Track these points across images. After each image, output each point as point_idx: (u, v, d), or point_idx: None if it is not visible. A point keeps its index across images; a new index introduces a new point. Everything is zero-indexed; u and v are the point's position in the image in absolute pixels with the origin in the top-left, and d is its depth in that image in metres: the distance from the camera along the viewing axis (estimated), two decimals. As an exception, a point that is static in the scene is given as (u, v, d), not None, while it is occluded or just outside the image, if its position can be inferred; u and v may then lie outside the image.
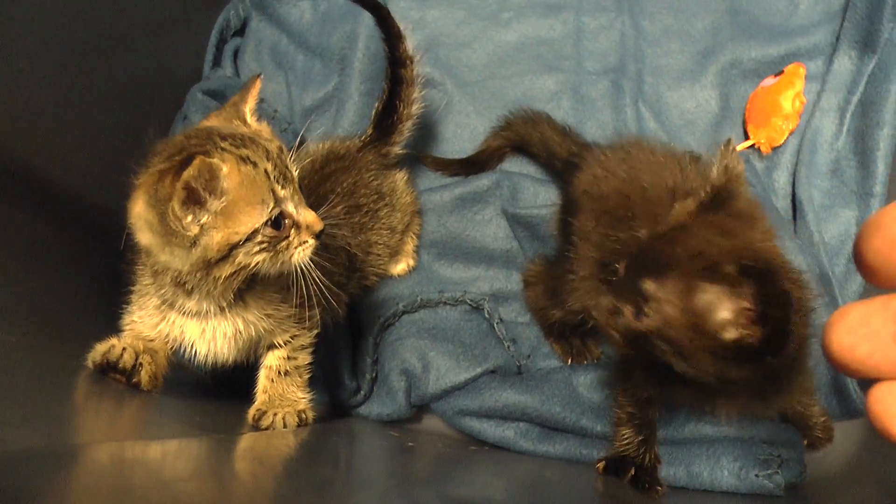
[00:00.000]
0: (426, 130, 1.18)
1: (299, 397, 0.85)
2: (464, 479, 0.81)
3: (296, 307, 0.84)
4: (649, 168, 0.86)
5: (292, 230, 0.73)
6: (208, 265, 0.70)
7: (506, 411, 0.97)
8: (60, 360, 0.79)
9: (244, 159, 0.70)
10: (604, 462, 0.87)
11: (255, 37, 1.23)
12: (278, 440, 0.77)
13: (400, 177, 1.08)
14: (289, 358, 0.85)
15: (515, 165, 1.16)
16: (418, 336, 1.03)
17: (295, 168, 0.75)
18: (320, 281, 0.77)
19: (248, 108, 0.78)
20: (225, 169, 0.67)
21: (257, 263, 0.72)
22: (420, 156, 1.16)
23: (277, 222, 0.72)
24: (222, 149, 0.70)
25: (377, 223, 1.02)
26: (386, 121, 1.06)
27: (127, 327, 0.81)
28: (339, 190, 0.97)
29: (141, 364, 0.76)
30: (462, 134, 1.18)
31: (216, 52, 1.22)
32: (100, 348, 0.76)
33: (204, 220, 0.68)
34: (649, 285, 0.67)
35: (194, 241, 0.69)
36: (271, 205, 0.71)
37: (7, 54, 0.79)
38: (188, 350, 0.80)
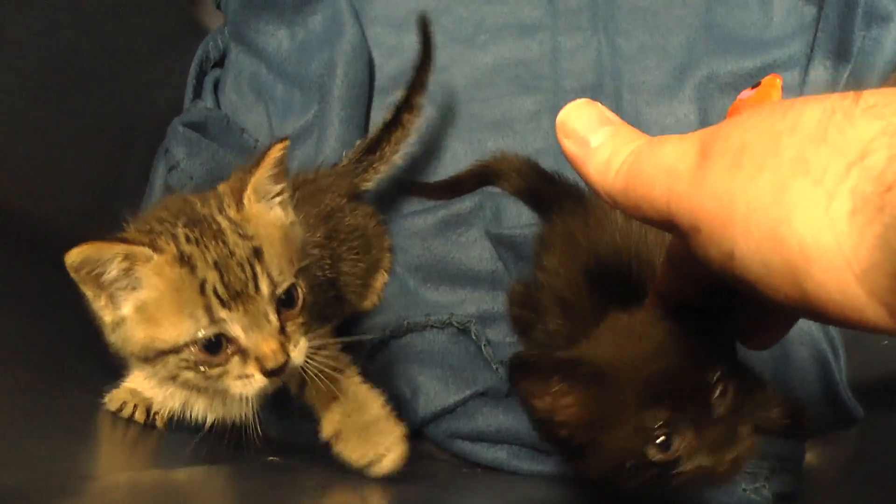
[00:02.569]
0: (406, 155, 1.18)
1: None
2: (457, 502, 0.80)
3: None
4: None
5: (235, 357, 0.59)
6: (141, 359, 0.60)
7: (499, 436, 0.97)
8: (48, 400, 0.78)
9: (184, 259, 0.57)
10: None
11: (234, 68, 1.24)
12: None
13: (370, 211, 1.07)
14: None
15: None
16: (406, 361, 1.02)
17: (268, 280, 0.60)
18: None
19: (253, 181, 0.63)
20: (155, 260, 0.57)
21: (187, 379, 0.60)
22: (402, 183, 1.16)
23: (217, 345, 0.58)
24: (173, 236, 0.59)
25: (350, 253, 0.97)
26: (369, 156, 1.05)
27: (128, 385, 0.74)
28: (315, 212, 0.91)
29: (156, 413, 0.71)
30: (443, 157, 1.18)
31: (196, 84, 1.22)
32: (111, 404, 0.71)
33: (123, 311, 0.59)
34: None
35: (112, 328, 0.60)
36: (204, 323, 0.57)
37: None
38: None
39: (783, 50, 1.17)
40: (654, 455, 0.57)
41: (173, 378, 0.61)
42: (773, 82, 1.13)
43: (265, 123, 1.21)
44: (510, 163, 1.09)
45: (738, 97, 1.16)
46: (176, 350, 0.58)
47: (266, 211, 0.64)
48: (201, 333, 0.57)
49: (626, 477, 0.59)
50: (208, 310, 0.57)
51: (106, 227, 1.00)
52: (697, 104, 1.17)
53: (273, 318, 0.60)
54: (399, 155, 1.07)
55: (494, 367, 1.02)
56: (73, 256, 0.55)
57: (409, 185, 1.16)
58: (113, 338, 0.61)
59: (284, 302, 0.61)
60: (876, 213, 0.28)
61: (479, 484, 0.92)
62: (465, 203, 1.12)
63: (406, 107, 1.05)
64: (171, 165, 1.07)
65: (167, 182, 1.06)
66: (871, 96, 0.31)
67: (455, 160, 1.18)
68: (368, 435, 0.73)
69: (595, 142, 0.43)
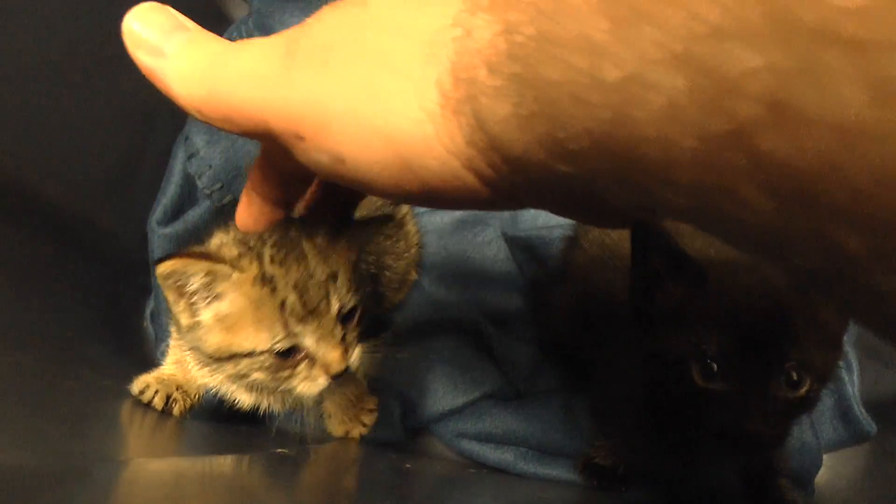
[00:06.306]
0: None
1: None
2: (462, 500, 0.80)
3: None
4: None
5: (303, 363, 0.66)
6: (209, 357, 0.66)
7: (506, 438, 0.96)
8: (56, 381, 0.78)
9: (266, 279, 0.62)
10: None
11: (256, 59, 1.24)
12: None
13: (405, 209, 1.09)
14: None
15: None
16: (415, 359, 1.02)
17: (339, 300, 0.65)
18: None
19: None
20: (234, 277, 0.61)
21: (256, 378, 0.66)
22: None
23: (288, 352, 0.64)
24: (259, 255, 0.63)
25: (393, 246, 1.02)
26: None
27: (170, 363, 0.78)
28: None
29: (175, 400, 0.74)
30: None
31: (219, 73, 1.22)
32: (135, 387, 0.75)
33: (201, 317, 0.63)
34: None
35: (188, 329, 0.65)
36: (279, 336, 0.63)
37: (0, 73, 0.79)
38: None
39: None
40: None
41: (241, 377, 0.66)
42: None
43: (284, 116, 1.21)
44: None
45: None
46: (250, 355, 0.64)
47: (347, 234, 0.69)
48: (278, 345, 0.63)
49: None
50: (285, 325, 0.62)
51: (123, 212, 1.01)
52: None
53: (338, 331, 0.66)
54: None
55: (505, 368, 1.02)
56: (163, 269, 0.59)
57: None
58: (188, 337, 0.66)
59: (346, 316, 0.67)
60: (458, 105, 0.27)
61: (485, 484, 0.92)
62: (483, 202, 1.12)
63: None
64: (191, 153, 1.07)
65: (186, 169, 1.06)
66: None
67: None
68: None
69: (170, 49, 0.39)
